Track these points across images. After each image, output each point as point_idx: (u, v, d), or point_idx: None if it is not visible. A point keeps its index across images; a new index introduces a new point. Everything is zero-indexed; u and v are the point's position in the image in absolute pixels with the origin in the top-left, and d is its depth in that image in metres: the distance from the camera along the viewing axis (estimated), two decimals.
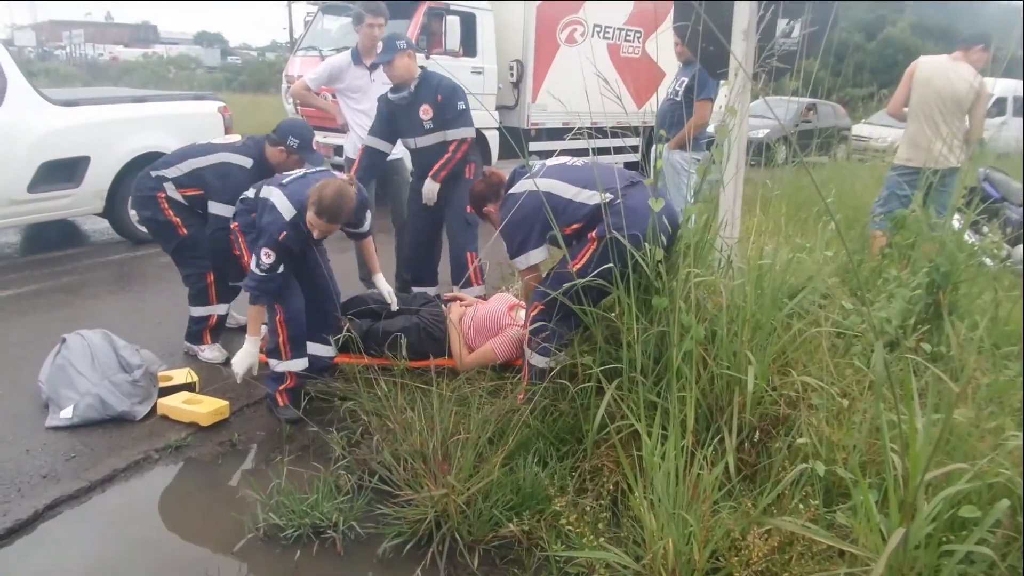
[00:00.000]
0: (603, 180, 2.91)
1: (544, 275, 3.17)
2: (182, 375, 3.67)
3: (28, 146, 5.51)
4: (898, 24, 32.60)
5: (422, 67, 4.34)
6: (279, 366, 3.39)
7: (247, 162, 3.73)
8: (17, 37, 47.31)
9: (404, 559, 2.46)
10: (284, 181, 3.37)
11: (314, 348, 3.55)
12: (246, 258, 3.39)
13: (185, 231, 3.80)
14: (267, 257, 3.17)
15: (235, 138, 3.96)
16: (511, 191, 3.15)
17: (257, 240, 3.24)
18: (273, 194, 3.28)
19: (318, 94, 5.59)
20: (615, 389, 2.59)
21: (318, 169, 3.56)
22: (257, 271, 3.20)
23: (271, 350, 3.40)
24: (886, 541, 1.80)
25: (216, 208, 3.74)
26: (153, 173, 3.78)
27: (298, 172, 3.51)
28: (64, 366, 3.40)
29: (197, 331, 3.98)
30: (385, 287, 3.84)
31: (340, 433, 3.05)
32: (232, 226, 3.49)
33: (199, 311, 3.95)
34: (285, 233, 3.19)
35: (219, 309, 3.98)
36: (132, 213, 5.80)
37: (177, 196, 3.77)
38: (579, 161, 3.25)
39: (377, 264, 3.87)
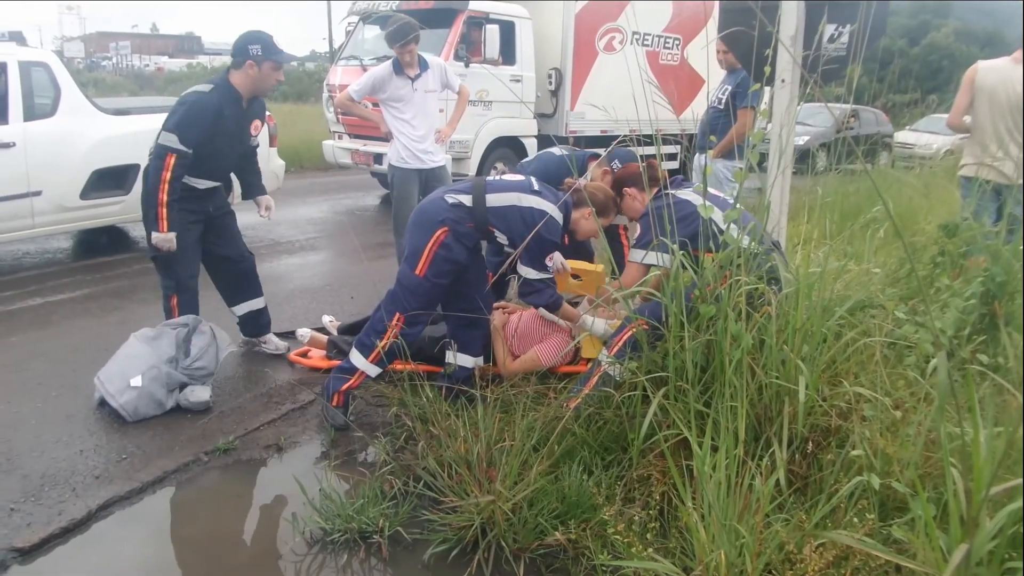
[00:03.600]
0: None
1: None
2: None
3: (81, 154, 5.67)
4: (942, 30, 32.06)
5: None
6: (357, 360, 3.30)
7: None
8: (66, 48, 48.70)
9: (449, 566, 2.46)
10: (535, 188, 3.25)
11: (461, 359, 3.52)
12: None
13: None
14: (551, 261, 3.20)
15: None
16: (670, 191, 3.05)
17: (538, 252, 3.16)
18: (542, 204, 3.17)
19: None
20: (661, 398, 2.57)
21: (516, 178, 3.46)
22: (544, 274, 3.23)
23: (363, 344, 3.31)
24: (945, 557, 1.75)
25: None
26: None
27: (517, 179, 3.40)
28: (123, 356, 3.50)
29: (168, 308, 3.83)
30: None
31: (385, 438, 3.07)
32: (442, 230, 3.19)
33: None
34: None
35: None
36: None
37: None
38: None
39: None
